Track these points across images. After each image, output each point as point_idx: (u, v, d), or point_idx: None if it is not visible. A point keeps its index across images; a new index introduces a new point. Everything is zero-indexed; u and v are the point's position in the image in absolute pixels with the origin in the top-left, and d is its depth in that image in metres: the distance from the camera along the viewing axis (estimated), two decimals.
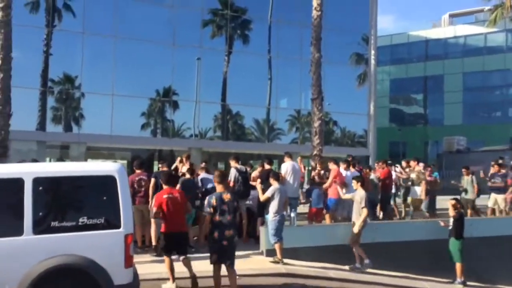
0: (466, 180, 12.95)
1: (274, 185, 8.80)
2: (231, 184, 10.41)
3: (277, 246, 8.79)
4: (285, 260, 8.87)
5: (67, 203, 5.34)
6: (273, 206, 8.72)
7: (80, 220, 5.18)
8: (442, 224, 9.63)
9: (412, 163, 13.09)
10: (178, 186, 8.40)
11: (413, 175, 12.51)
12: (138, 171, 9.55)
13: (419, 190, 12.39)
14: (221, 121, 25.54)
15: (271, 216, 8.78)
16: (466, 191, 12.86)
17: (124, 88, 22.16)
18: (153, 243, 9.10)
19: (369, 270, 8.99)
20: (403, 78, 41.13)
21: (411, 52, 41.16)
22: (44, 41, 21.67)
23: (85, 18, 21.82)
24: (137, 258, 8.32)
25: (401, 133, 37.35)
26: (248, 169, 11.38)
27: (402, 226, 11.04)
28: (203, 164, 11.50)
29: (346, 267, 9.05)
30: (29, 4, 21.40)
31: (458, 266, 9.02)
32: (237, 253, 9.14)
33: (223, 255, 6.54)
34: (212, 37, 25.26)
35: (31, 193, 5.02)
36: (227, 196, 6.58)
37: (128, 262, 5.30)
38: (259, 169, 11.57)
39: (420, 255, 9.59)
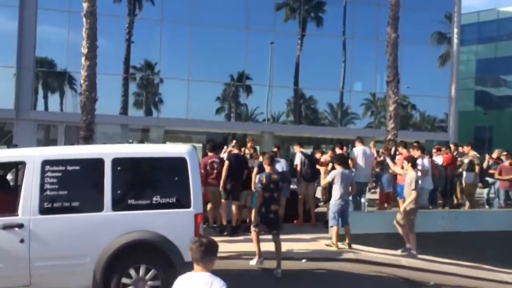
0: None
1: (337, 169, 8.75)
2: (299, 167, 10.45)
3: (333, 230, 8.77)
4: (353, 246, 8.75)
5: (143, 183, 5.66)
6: (334, 191, 8.70)
7: (154, 199, 5.47)
8: None
9: (466, 148, 12.08)
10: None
11: (466, 160, 11.55)
12: (210, 154, 9.84)
13: (472, 176, 11.44)
14: (294, 105, 25.46)
15: (332, 200, 8.75)
16: None
17: (199, 73, 22.83)
18: (223, 223, 9.42)
19: (442, 259, 8.61)
20: (491, 58, 38.00)
21: (501, 30, 37.79)
22: (126, 30, 22.90)
23: (164, 6, 22.70)
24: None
25: (487, 117, 34.77)
26: (319, 154, 11.27)
27: (480, 215, 10.36)
28: (275, 149, 11.63)
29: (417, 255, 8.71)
30: None
31: None
32: (304, 236, 9.37)
33: (271, 226, 7.32)
34: (285, 21, 25.11)
35: (110, 172, 5.39)
36: (274, 177, 7.37)
37: None
38: (330, 153, 11.47)
39: (498, 246, 8.95)
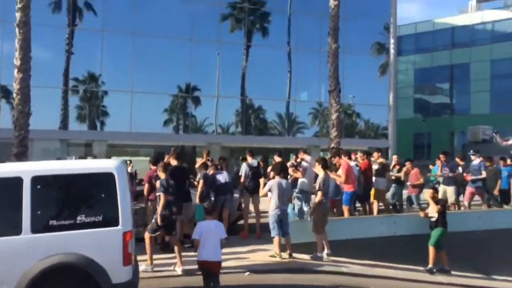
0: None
1: (274, 179, 8.79)
2: (242, 179, 10.38)
3: (275, 241, 8.70)
4: (299, 255, 8.75)
5: (66, 201, 5.33)
6: (272, 200, 8.72)
7: (78, 218, 5.16)
8: (422, 215, 9.43)
9: (375, 154, 12.41)
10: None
11: (375, 167, 11.76)
12: (154, 167, 9.56)
13: (383, 182, 11.70)
14: (242, 115, 25.50)
15: (270, 211, 8.73)
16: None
17: (144, 85, 22.38)
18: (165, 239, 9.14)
19: (383, 264, 8.80)
20: (428, 67, 39.97)
21: (437, 41, 39.87)
22: (66, 41, 22.09)
23: (105, 15, 22.14)
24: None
25: (425, 124, 36.39)
26: (262, 164, 11.26)
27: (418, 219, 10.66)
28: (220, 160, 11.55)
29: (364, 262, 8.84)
30: (51, 4, 21.86)
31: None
32: (248, 248, 9.27)
33: (170, 228, 7.98)
34: (231, 31, 25.22)
35: (29, 191, 5.05)
36: (171, 182, 8.06)
37: (127, 260, 5.26)
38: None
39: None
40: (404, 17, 29.15)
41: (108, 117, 23.14)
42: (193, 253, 8.71)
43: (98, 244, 5.20)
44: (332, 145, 14.29)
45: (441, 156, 12.28)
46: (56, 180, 5.31)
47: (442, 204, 9.29)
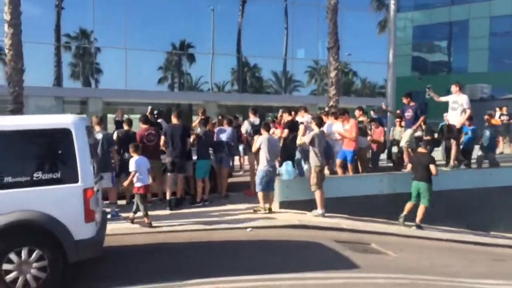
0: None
1: (263, 135, 9.01)
2: (243, 136, 10.37)
3: (260, 195, 8.97)
4: (295, 211, 8.94)
5: (22, 158, 5.18)
6: (261, 156, 8.98)
7: (35, 175, 5.04)
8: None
9: (357, 112, 12.12)
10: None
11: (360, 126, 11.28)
12: (145, 126, 9.50)
13: (365, 141, 11.21)
14: (238, 73, 25.18)
15: (260, 166, 9.01)
16: None
17: (137, 42, 21.89)
18: (167, 197, 9.21)
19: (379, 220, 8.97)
20: (426, 24, 39.26)
21: None
22: None
23: None
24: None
25: (422, 82, 36.16)
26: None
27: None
28: (219, 117, 11.55)
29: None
30: None
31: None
32: (245, 206, 9.38)
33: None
34: None
35: None
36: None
37: (89, 217, 5.19)
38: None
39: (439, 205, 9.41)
40: None
41: (102, 74, 22.76)
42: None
43: (58, 201, 5.10)
44: (331, 103, 14.20)
45: (404, 98, 11.32)
46: (10, 136, 5.11)
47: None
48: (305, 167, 9.97)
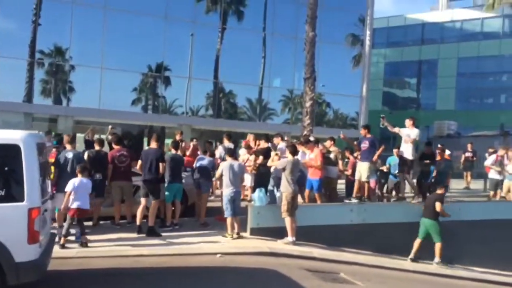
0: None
1: (225, 161, 9.14)
2: (218, 161, 10.36)
3: (228, 221, 8.96)
4: (265, 238, 8.88)
5: None
6: (224, 182, 9.06)
7: None
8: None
9: (328, 142, 12.00)
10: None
11: (331, 155, 11.40)
12: (117, 147, 9.37)
13: (334, 170, 11.24)
14: (213, 98, 25.28)
15: (224, 192, 9.07)
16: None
17: (114, 62, 21.75)
18: (137, 222, 9.00)
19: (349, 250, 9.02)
20: (398, 61, 40.84)
21: (407, 36, 40.73)
22: (33, 11, 21.08)
23: None
24: (108, 235, 8.29)
25: (392, 116, 37.21)
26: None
27: (386, 208, 10.98)
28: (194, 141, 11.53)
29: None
30: None
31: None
32: (215, 231, 9.28)
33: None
34: (206, 12, 24.80)
35: None
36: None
37: (33, 238, 4.95)
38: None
39: (403, 236, 9.56)
40: (377, 10, 29.82)
41: (75, 92, 22.41)
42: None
43: (0, 220, 4.87)
44: (305, 132, 14.45)
45: (362, 129, 11.16)
46: None
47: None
48: (278, 194, 9.98)
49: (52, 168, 8.27)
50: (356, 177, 10.66)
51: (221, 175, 9.16)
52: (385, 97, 41.49)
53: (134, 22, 22.11)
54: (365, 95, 24.89)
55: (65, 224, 7.74)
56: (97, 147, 9.34)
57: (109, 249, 7.83)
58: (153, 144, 9.29)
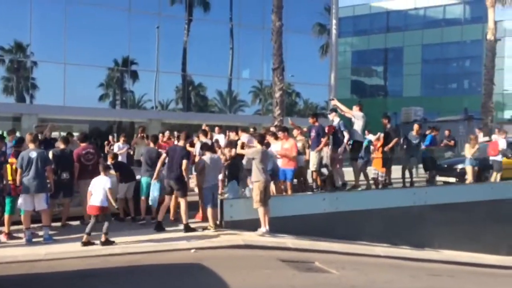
0: None
1: (205, 155, 9.18)
2: (197, 157, 10.27)
3: (208, 212, 8.98)
4: (239, 231, 8.86)
5: None
6: (206, 175, 9.07)
7: None
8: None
9: (295, 131, 11.90)
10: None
11: (299, 144, 11.28)
12: (83, 145, 9.15)
13: (303, 159, 11.24)
14: (182, 92, 24.98)
15: (204, 185, 9.08)
16: None
17: (78, 57, 21.12)
18: (159, 218, 8.86)
19: (323, 239, 9.11)
20: (365, 49, 41.39)
21: (373, 24, 41.33)
22: None
23: None
24: (78, 235, 8.05)
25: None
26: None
27: (359, 195, 11.10)
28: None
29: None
30: None
31: None
32: (191, 226, 9.19)
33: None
34: (171, 4, 24.40)
35: None
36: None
37: None
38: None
39: (375, 223, 9.73)
40: None
41: (38, 90, 21.70)
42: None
43: None
44: (276, 123, 14.48)
45: (310, 118, 11.17)
46: None
47: None
48: (250, 186, 9.95)
49: (9, 168, 8.03)
50: (311, 168, 10.83)
51: (202, 169, 9.09)
52: (354, 85, 42.06)
53: (98, 15, 21.50)
54: (333, 84, 25.05)
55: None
56: (61, 146, 9.06)
57: (79, 249, 7.62)
58: (181, 142, 9.20)
